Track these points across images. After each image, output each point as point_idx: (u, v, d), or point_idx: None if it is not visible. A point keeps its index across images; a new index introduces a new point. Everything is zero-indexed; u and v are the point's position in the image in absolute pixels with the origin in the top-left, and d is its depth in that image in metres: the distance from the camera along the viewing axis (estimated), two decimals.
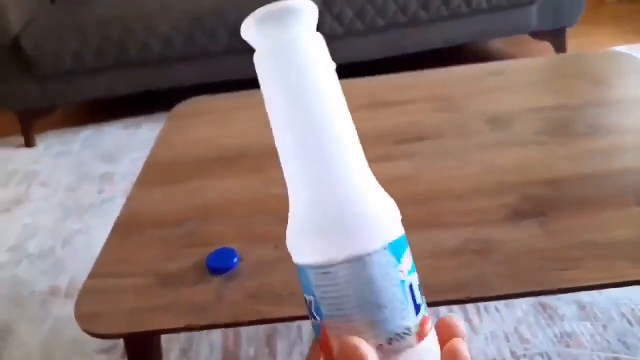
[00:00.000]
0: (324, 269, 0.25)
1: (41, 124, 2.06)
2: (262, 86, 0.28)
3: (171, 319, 0.57)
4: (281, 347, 1.07)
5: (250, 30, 0.26)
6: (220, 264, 0.64)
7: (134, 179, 1.73)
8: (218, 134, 0.95)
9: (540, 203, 0.67)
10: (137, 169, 1.78)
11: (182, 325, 0.57)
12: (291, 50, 0.26)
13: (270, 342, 1.08)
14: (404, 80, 1.11)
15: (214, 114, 1.03)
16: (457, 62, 2.26)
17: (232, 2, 1.84)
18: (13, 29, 1.81)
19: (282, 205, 0.72)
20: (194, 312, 0.58)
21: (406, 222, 0.66)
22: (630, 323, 1.02)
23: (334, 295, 0.25)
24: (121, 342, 1.14)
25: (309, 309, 0.27)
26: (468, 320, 1.06)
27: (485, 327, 1.05)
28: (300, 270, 0.27)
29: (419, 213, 0.69)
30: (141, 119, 2.11)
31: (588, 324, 1.02)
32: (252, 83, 1.78)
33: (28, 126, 2.01)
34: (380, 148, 0.83)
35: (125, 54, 1.84)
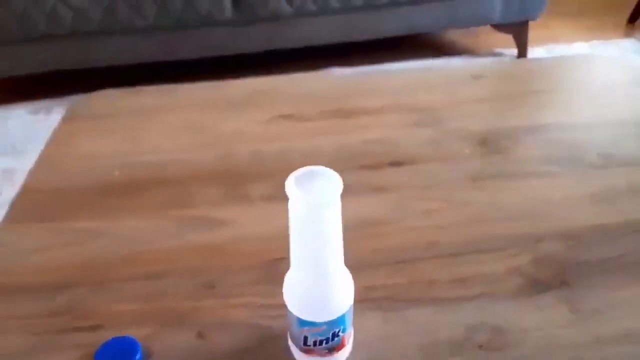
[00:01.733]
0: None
1: None
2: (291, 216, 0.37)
3: None
4: None
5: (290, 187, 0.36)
6: None
7: None
8: (126, 147, 0.72)
9: (562, 265, 0.50)
10: None
11: None
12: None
13: None
14: (369, 79, 0.91)
15: (121, 116, 0.79)
16: (413, 52, 2.12)
17: None
18: None
19: (205, 263, 0.51)
20: None
21: (382, 294, 0.46)
22: None
23: None
24: None
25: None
26: None
27: None
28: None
29: (398, 280, 0.50)
30: (53, 101, 1.78)
31: None
32: (178, 66, 1.46)
33: None
34: (341, 175, 0.63)
35: (30, 27, 1.51)
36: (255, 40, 1.71)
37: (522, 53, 2.00)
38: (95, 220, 0.59)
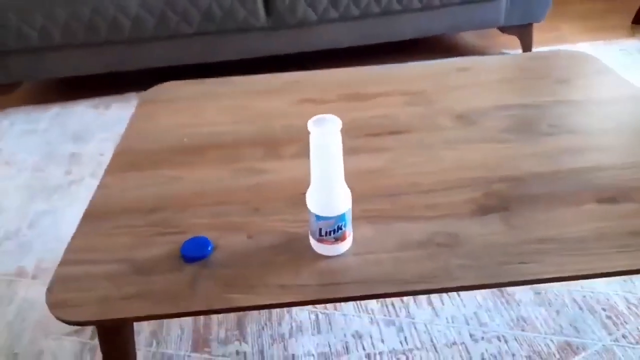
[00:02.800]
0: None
1: (5, 101, 1.99)
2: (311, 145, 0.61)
3: (143, 307, 0.59)
4: (251, 329, 1.09)
5: (310, 125, 0.60)
6: (193, 253, 0.65)
7: (102, 159, 1.72)
8: (189, 121, 0.95)
9: (504, 198, 0.71)
10: (106, 149, 1.77)
11: (154, 313, 0.58)
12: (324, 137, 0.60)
13: (240, 324, 1.11)
14: (377, 72, 1.13)
15: (185, 100, 1.03)
16: (427, 53, 2.32)
17: None
18: None
19: (253, 196, 0.74)
20: (167, 300, 0.59)
21: (375, 214, 0.69)
22: (580, 309, 1.09)
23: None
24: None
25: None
26: (430, 303, 1.11)
27: (446, 310, 1.11)
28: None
29: (387, 206, 0.72)
30: (110, 98, 2.06)
31: (542, 309, 1.09)
32: (220, 66, 1.79)
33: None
34: (351, 141, 0.85)
35: (94, 33, 1.78)
36: (284, 43, 1.95)
37: (526, 52, 2.18)
38: (173, 170, 0.82)
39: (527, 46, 2.17)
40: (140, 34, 1.81)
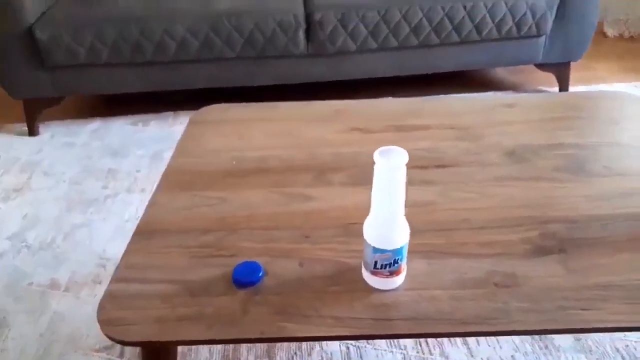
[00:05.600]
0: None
1: (47, 113, 2.05)
2: (375, 175, 0.61)
3: (197, 330, 0.58)
4: (280, 357, 1.08)
5: (376, 156, 0.60)
6: (245, 278, 0.65)
7: (138, 175, 1.75)
8: (237, 144, 0.97)
9: (561, 240, 0.69)
10: (142, 166, 1.80)
11: (208, 337, 0.58)
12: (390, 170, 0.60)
13: (270, 351, 1.09)
14: (421, 104, 1.13)
15: (233, 123, 1.05)
16: (461, 86, 2.32)
17: (248, 11, 1.85)
18: (28, 19, 1.81)
19: (302, 223, 0.74)
20: (220, 325, 0.59)
21: (428, 249, 0.67)
22: (623, 359, 1.04)
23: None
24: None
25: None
26: (465, 343, 1.08)
27: (482, 351, 1.07)
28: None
29: (440, 241, 0.70)
30: (149, 116, 2.11)
31: (583, 357, 1.05)
32: (258, 90, 1.82)
33: (33, 115, 2.00)
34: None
35: (140, 53, 1.84)
36: (322, 71, 1.98)
37: (562, 90, 2.16)
38: (222, 192, 0.83)
39: (564, 84, 2.16)
40: (184, 56, 1.86)
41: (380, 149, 0.59)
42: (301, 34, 1.89)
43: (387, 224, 0.60)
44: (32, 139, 2.00)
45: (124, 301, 0.63)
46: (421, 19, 1.92)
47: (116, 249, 1.43)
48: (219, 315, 0.60)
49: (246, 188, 0.84)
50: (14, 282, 1.34)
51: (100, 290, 1.29)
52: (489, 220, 0.74)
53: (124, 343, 0.58)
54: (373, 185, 0.60)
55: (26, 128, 2.02)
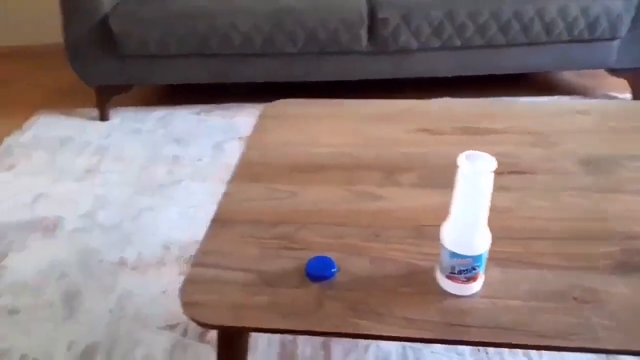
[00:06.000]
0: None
1: (117, 100, 2.15)
2: (459, 179, 0.60)
3: (273, 319, 0.60)
4: (337, 352, 1.09)
5: (462, 160, 0.59)
6: (319, 272, 0.66)
7: (200, 164, 1.81)
8: (307, 140, 0.98)
9: None
10: (204, 155, 1.86)
11: (284, 327, 0.59)
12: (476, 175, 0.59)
13: (326, 345, 1.11)
14: (490, 106, 1.11)
15: (302, 118, 1.06)
16: (526, 89, 2.25)
17: (311, 8, 1.87)
18: (103, 9, 1.90)
19: (372, 221, 0.75)
20: (295, 316, 0.60)
21: (504, 257, 0.66)
22: None
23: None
24: (184, 321, 1.19)
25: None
26: (526, 354, 1.06)
27: None
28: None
29: (517, 249, 0.69)
30: (212, 107, 2.17)
31: None
32: (320, 86, 1.82)
33: (104, 101, 2.10)
34: None
35: (206, 45, 1.90)
36: (383, 68, 1.97)
37: (636, 98, 2.05)
38: (292, 186, 0.85)
39: (637, 90, 2.05)
40: (248, 50, 1.90)
41: (466, 152, 0.58)
42: (363, 31, 1.89)
43: (468, 230, 0.60)
44: (102, 123, 2.12)
45: (203, 286, 0.66)
46: (487, 18, 1.87)
47: (180, 233, 1.49)
48: (294, 306, 0.61)
49: (316, 183, 0.85)
50: (87, 258, 1.42)
51: (165, 272, 1.36)
52: (567, 231, 0.72)
53: (204, 325, 0.61)
54: (456, 189, 0.59)
55: (97, 113, 2.13)
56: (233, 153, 1.86)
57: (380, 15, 1.85)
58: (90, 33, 1.91)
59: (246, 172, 0.89)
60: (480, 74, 2.03)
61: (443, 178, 0.83)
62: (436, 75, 2.02)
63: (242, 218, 0.78)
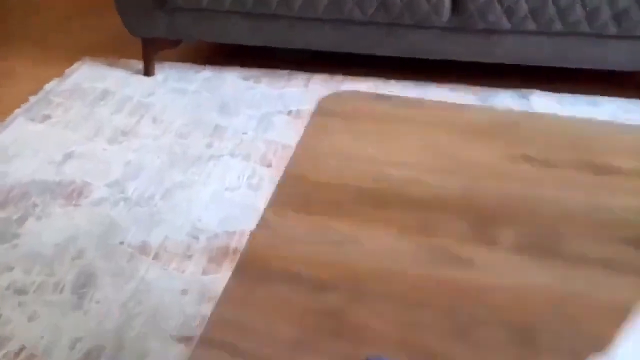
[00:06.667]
0: None
1: (163, 55, 1.98)
2: None
3: None
4: None
5: None
6: None
7: (244, 138, 1.61)
8: (374, 154, 0.76)
9: None
10: (249, 128, 1.66)
11: None
12: None
13: None
14: (625, 135, 0.84)
15: (368, 120, 0.84)
16: (633, 91, 1.88)
17: None
18: None
19: (458, 303, 0.52)
20: None
21: None
22: None
23: None
24: (199, 333, 1.04)
25: None
26: None
27: None
28: None
29: None
30: (262, 72, 1.96)
31: None
32: (384, 61, 1.47)
33: (150, 55, 1.93)
34: (598, 247, 0.60)
35: (264, 4, 1.66)
36: (464, 49, 1.68)
37: None
38: (349, 224, 0.64)
39: None
40: (310, 13, 1.65)
41: None
42: (447, 2, 1.60)
43: None
44: (146, 78, 1.95)
45: None
46: (600, 2, 1.53)
47: (211, 219, 1.33)
48: None
49: (381, 224, 0.64)
50: (108, 236, 1.29)
51: (188, 266, 1.20)
52: None
53: None
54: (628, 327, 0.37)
55: (142, 67, 1.97)
56: (281, 130, 1.66)
57: None
58: None
59: (290, 195, 0.69)
60: (583, 67, 1.70)
61: (559, 242, 0.60)
62: (527, 63, 1.70)
63: (277, 268, 0.58)
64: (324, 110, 0.86)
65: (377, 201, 0.67)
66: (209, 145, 1.60)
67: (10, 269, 1.21)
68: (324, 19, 1.67)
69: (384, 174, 0.72)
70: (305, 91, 1.84)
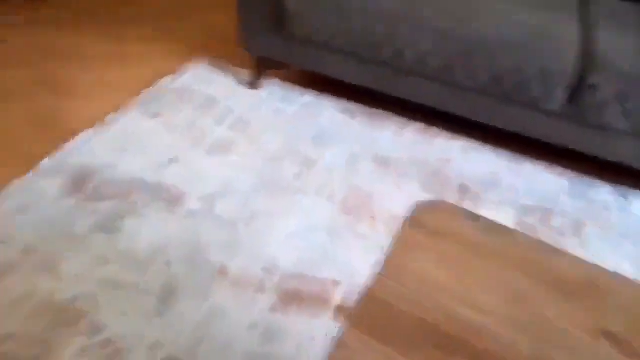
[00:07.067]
0: None
1: (269, 74, 2.07)
2: None
3: None
4: None
5: None
6: None
7: (331, 176, 1.68)
8: (453, 283, 0.80)
9: None
10: (338, 166, 1.73)
11: None
12: None
13: None
14: None
15: (454, 241, 0.87)
16: None
17: (507, 47, 1.56)
18: None
19: None
20: None
21: None
22: None
23: None
24: None
25: None
26: None
27: None
28: None
29: None
30: (359, 107, 2.01)
31: None
32: (478, 124, 1.42)
33: (259, 71, 2.04)
34: None
35: (378, 51, 1.70)
36: (574, 139, 1.63)
37: None
38: None
39: None
40: (421, 70, 1.67)
41: None
42: (562, 91, 1.55)
43: None
44: (251, 92, 2.06)
45: None
46: None
47: (287, 257, 1.42)
48: None
49: None
50: (196, 252, 1.40)
51: (260, 300, 1.30)
52: None
53: None
54: None
55: (249, 79, 2.08)
56: (366, 176, 1.71)
57: (590, 81, 1.49)
58: (263, 3, 1.81)
59: (370, 318, 0.75)
60: None
61: None
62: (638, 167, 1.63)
63: None
64: (415, 223, 0.91)
65: (447, 346, 0.72)
66: (297, 177, 1.68)
67: (110, 261, 1.36)
68: (432, 78, 1.69)
69: (460, 314, 0.76)
70: (399, 139, 1.87)
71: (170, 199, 1.57)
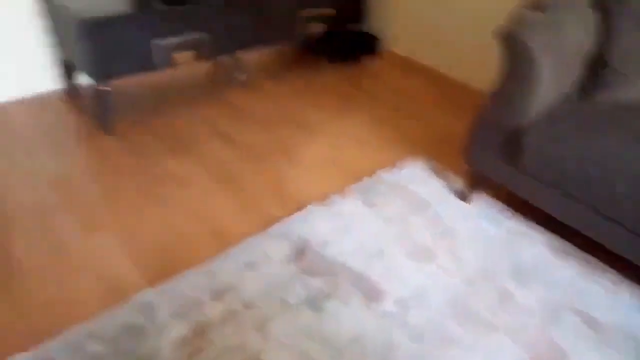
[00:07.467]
0: None
1: (481, 185, 2.10)
2: None
3: None
4: None
5: None
6: None
7: (527, 324, 1.56)
8: None
9: None
10: (536, 314, 1.61)
11: None
12: None
13: None
14: None
15: None
16: None
17: None
18: (523, 118, 1.79)
19: None
20: None
21: None
22: None
23: None
24: None
25: None
26: None
27: None
28: None
29: None
30: (567, 247, 1.90)
31: None
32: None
33: (475, 187, 2.09)
34: None
35: (616, 208, 1.62)
36: None
37: None
38: None
39: None
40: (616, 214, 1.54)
41: None
42: None
43: None
44: (461, 203, 2.10)
45: None
46: None
47: None
48: None
49: None
50: (386, 351, 1.44)
51: None
52: None
53: None
54: None
55: (460, 187, 2.14)
56: (566, 336, 1.57)
57: None
58: (499, 127, 1.87)
59: None
60: None
61: None
62: None
63: None
64: None
65: None
66: (489, 308, 1.64)
67: (314, 338, 1.48)
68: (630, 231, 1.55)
69: None
70: (613, 296, 1.72)
71: (372, 293, 1.65)
